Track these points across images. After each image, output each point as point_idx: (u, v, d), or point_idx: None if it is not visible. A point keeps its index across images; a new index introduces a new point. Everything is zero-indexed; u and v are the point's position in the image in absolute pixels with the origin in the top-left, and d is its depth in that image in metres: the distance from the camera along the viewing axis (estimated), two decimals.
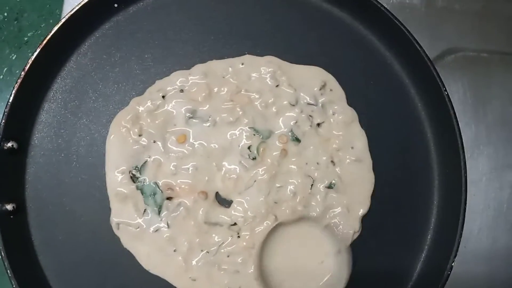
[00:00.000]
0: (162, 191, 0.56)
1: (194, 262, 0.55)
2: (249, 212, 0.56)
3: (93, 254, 0.56)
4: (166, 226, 0.56)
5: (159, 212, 0.56)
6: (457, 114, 0.56)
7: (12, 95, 0.54)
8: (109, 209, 0.56)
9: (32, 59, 0.55)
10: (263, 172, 0.57)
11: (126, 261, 0.56)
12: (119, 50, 0.59)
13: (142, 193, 0.56)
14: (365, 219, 0.58)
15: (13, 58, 0.78)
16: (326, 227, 0.56)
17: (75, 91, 0.58)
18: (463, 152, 0.56)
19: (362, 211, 0.57)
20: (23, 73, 0.55)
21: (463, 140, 0.56)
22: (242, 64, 0.59)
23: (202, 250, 0.55)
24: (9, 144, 0.55)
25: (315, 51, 0.59)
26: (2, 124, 0.54)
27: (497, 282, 0.65)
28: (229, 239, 0.56)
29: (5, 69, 0.78)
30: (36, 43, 0.55)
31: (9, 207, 0.54)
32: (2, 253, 0.52)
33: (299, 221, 0.57)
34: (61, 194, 0.57)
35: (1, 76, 0.78)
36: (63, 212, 0.56)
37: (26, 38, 0.79)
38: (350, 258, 0.57)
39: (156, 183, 0.56)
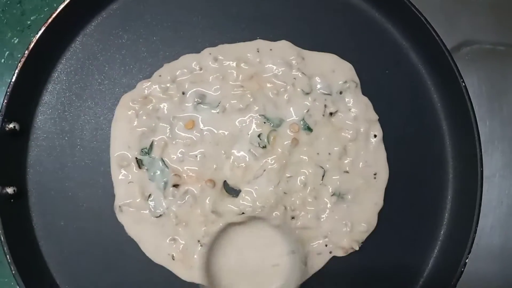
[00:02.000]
0: (168, 168, 0.54)
1: (197, 252, 0.54)
2: (257, 202, 0.55)
3: (95, 241, 0.54)
4: (171, 213, 0.54)
5: (164, 192, 0.54)
6: None
7: (15, 74, 0.53)
8: (113, 196, 0.55)
9: (37, 38, 0.54)
10: (273, 161, 0.55)
11: (129, 250, 0.54)
12: (126, 32, 0.57)
13: (148, 170, 0.54)
14: (379, 214, 0.56)
15: (15, 42, 0.76)
16: (279, 226, 0.54)
17: (80, 72, 0.56)
18: (480, 145, 0.55)
19: (376, 205, 0.56)
20: (26, 52, 0.53)
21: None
22: (254, 48, 0.57)
23: (203, 237, 0.54)
24: (11, 126, 0.53)
25: (330, 38, 0.58)
26: (4, 104, 0.52)
27: (509, 279, 0.63)
28: None
29: (7, 53, 0.76)
30: (39, 27, 0.53)
31: (9, 190, 0.53)
32: (2, 238, 0.51)
33: (251, 220, 0.54)
34: (63, 179, 0.55)
35: (3, 60, 0.76)
36: (65, 198, 0.55)
37: (29, 22, 0.77)
38: (304, 260, 0.54)
39: (163, 160, 0.54)
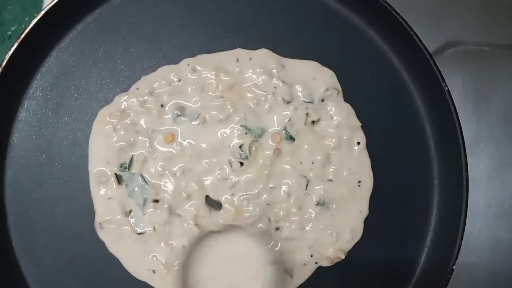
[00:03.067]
0: (148, 184, 0.53)
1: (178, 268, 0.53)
2: (241, 215, 0.54)
3: (76, 260, 0.53)
4: (152, 229, 0.53)
5: (143, 208, 0.53)
6: (457, 110, 0.54)
7: None
8: (93, 213, 0.54)
9: (10, 54, 0.52)
10: (255, 172, 0.54)
11: (111, 267, 0.53)
12: (102, 45, 0.56)
13: (127, 186, 0.53)
14: (364, 222, 0.55)
15: None
16: (257, 236, 0.53)
17: (56, 88, 0.55)
18: (464, 148, 0.54)
19: (362, 213, 0.55)
20: (0, 68, 0.52)
21: (464, 138, 0.54)
22: (234, 58, 0.55)
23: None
24: None
25: (310, 45, 0.57)
26: None
27: (499, 283, 0.63)
28: None
29: None
30: None
31: None
32: None
33: (228, 230, 0.53)
34: (42, 197, 0.54)
35: None
36: (44, 216, 0.54)
37: (9, 33, 0.76)
38: (290, 272, 0.53)
39: (142, 176, 0.54)
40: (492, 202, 0.64)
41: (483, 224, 0.64)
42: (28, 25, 0.53)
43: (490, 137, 0.66)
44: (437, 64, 0.54)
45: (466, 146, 0.54)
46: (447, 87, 0.54)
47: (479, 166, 0.65)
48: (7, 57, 0.52)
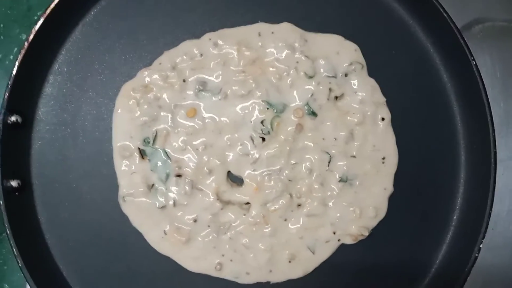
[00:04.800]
0: (171, 160, 0.54)
1: (200, 241, 0.53)
2: (262, 191, 0.54)
3: (100, 233, 0.54)
4: (174, 203, 0.53)
5: (166, 183, 0.53)
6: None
7: (16, 66, 0.52)
8: (117, 186, 0.54)
9: (36, 29, 0.53)
10: (277, 148, 0.54)
11: (134, 240, 0.54)
12: (125, 20, 0.56)
13: (150, 160, 0.54)
14: (389, 199, 0.54)
15: (23, 38, 0.76)
16: None
17: (81, 63, 0.56)
18: (492, 124, 0.52)
19: (386, 190, 0.54)
20: (26, 43, 0.53)
21: (492, 113, 0.52)
22: (256, 32, 0.55)
23: (209, 226, 0.53)
24: (13, 118, 0.52)
25: (334, 19, 0.56)
26: (6, 97, 0.51)
27: None
28: (241, 219, 0.53)
29: (15, 49, 0.76)
30: None
31: (14, 183, 0.52)
32: (8, 231, 0.50)
33: None
34: (67, 171, 0.55)
35: (11, 56, 0.76)
36: (69, 190, 0.54)
37: (35, 17, 0.77)
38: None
39: (165, 151, 0.54)
40: None
41: None
42: (53, 0, 0.53)
43: None
44: None
45: (493, 125, 0.53)
46: (475, 61, 0.53)
47: (507, 146, 0.63)
48: (33, 31, 0.53)
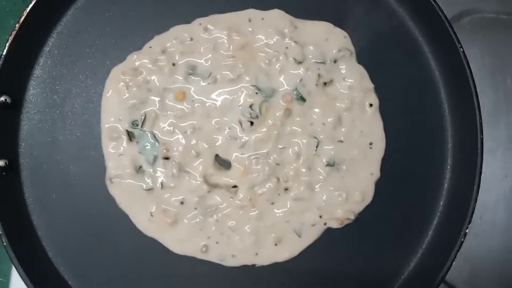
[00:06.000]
0: (159, 142, 0.54)
1: (187, 223, 0.53)
2: (250, 174, 0.54)
3: (87, 214, 0.54)
4: (161, 185, 0.53)
5: (154, 165, 0.53)
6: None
7: (6, 47, 0.52)
8: (105, 169, 0.54)
9: (27, 11, 0.53)
10: (265, 132, 0.54)
11: (121, 223, 0.54)
12: (117, 4, 0.56)
13: (138, 142, 0.54)
14: (376, 184, 0.55)
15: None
16: None
17: (71, 46, 0.56)
18: (479, 111, 0.53)
19: (373, 175, 0.54)
20: (17, 25, 0.53)
21: (479, 100, 0.53)
22: (246, 18, 0.55)
23: (195, 209, 0.53)
24: (2, 98, 0.53)
25: (324, 6, 0.56)
26: None
27: None
28: (227, 202, 0.53)
29: None
30: None
31: (1, 163, 0.53)
32: None
33: None
34: (55, 152, 0.55)
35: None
36: (57, 171, 0.54)
37: None
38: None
39: (153, 134, 0.54)
40: (509, 173, 0.62)
41: (500, 195, 0.62)
42: None
43: (508, 108, 0.64)
44: None
45: (482, 116, 0.53)
46: (462, 49, 0.53)
47: (495, 136, 0.63)
48: (25, 14, 0.53)
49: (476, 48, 0.65)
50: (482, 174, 0.52)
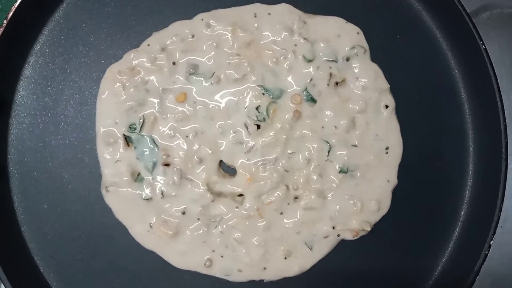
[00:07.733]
0: (158, 148, 0.50)
1: (189, 235, 0.50)
2: (257, 182, 0.50)
3: (81, 225, 0.51)
4: (161, 194, 0.50)
5: (153, 172, 0.50)
6: None
7: None
8: (100, 176, 0.51)
9: (15, 6, 0.50)
10: (273, 136, 0.50)
11: (117, 234, 0.51)
12: None
13: (136, 148, 0.50)
14: (393, 192, 0.51)
15: None
16: None
17: (64, 44, 0.53)
18: (503, 114, 0.49)
19: (390, 183, 0.51)
20: (5, 21, 0.49)
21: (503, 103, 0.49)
22: (251, 13, 0.52)
23: (198, 220, 0.50)
24: None
25: (335, 0, 0.53)
26: None
27: None
28: (233, 212, 0.50)
29: None
30: None
31: None
32: None
33: None
34: (47, 158, 0.51)
35: None
36: (49, 179, 0.51)
37: None
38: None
39: (152, 138, 0.50)
40: None
41: None
42: None
43: None
44: None
45: (504, 113, 0.50)
46: (484, 46, 0.50)
47: None
48: (13, 9, 0.50)
49: (495, 44, 0.62)
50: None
